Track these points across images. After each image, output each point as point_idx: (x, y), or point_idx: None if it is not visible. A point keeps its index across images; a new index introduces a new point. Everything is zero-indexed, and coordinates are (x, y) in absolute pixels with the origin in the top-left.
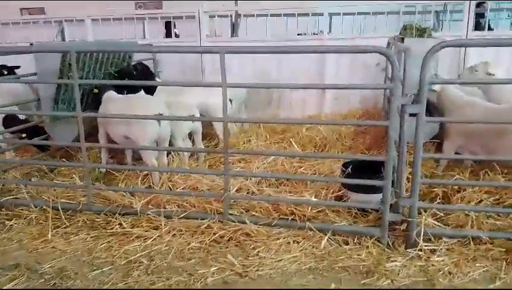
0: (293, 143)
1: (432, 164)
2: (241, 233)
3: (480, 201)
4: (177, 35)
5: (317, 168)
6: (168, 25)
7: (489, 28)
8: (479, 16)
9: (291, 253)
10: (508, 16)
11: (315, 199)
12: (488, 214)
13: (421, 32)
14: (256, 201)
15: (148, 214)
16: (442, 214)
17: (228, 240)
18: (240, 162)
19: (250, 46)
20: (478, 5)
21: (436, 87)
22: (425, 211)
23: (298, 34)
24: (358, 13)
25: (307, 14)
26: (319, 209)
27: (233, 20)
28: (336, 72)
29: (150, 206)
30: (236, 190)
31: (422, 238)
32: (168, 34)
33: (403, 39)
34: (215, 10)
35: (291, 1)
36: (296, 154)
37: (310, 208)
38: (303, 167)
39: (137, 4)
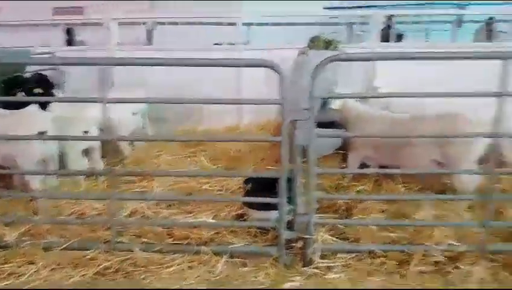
0: (203, 158)
1: (338, 176)
2: (130, 263)
3: (382, 211)
4: (82, 43)
5: (224, 184)
6: (71, 32)
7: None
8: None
9: (185, 281)
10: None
11: (211, 220)
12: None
13: (328, 44)
14: (148, 226)
15: (23, 247)
16: (343, 227)
17: (115, 271)
18: (141, 181)
19: (136, 57)
20: (390, 18)
21: (336, 104)
22: (323, 227)
23: (215, 44)
24: (273, 24)
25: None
26: (217, 230)
27: (149, 28)
28: (254, 84)
29: (27, 237)
30: (130, 214)
31: (319, 255)
32: (71, 42)
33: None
34: (125, 18)
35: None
36: (184, 173)
37: (206, 230)
38: (209, 184)
39: (54, 9)
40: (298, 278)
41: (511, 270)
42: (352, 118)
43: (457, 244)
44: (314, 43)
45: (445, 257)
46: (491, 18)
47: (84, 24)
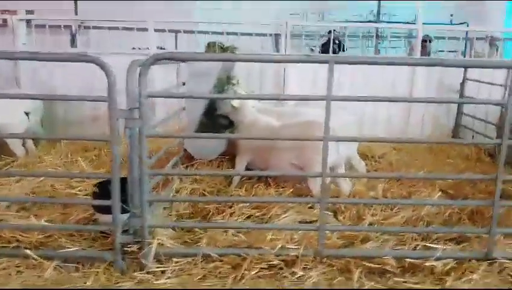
0: (82, 162)
1: (221, 180)
2: None
3: (250, 216)
4: None
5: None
6: None
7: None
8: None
9: (8, 286)
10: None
11: (44, 223)
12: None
13: (224, 50)
14: None
15: None
16: (201, 232)
17: None
18: (10, 185)
19: None
20: (330, 32)
21: (235, 103)
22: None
23: (133, 48)
24: (185, 31)
25: (142, 29)
26: (49, 234)
27: (73, 31)
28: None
29: None
30: None
31: (153, 259)
32: None
33: None
34: (32, 18)
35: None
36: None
37: (37, 234)
38: (80, 187)
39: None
40: (128, 284)
41: (346, 275)
42: (242, 120)
43: (293, 248)
44: (210, 48)
45: (283, 261)
46: (427, 35)
47: None
